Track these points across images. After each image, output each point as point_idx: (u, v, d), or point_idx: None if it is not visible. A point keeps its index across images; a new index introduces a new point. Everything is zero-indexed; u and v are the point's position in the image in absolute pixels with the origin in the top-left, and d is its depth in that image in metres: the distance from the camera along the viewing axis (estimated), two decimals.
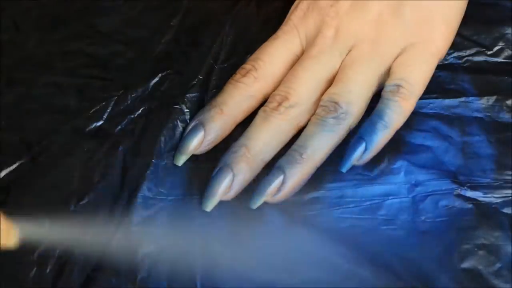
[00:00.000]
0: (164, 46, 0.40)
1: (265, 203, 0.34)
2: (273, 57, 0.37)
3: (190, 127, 0.36)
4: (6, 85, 0.38)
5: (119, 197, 0.35)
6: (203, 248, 0.33)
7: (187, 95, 0.38)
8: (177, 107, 0.37)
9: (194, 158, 0.36)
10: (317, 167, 0.34)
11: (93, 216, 0.34)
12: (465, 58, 0.39)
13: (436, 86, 0.38)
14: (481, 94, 0.37)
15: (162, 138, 0.36)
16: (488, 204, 0.34)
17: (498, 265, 0.32)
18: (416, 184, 0.35)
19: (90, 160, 0.35)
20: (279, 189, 0.34)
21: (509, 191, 0.34)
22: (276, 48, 0.37)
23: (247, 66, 0.37)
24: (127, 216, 0.34)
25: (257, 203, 0.34)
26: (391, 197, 0.34)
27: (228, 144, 0.36)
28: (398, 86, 0.35)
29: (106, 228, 0.34)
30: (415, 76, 0.35)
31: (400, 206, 0.34)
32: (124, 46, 0.40)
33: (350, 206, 0.34)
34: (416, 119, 0.37)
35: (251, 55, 0.38)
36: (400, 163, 0.35)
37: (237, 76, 0.37)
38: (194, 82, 0.38)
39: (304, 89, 0.36)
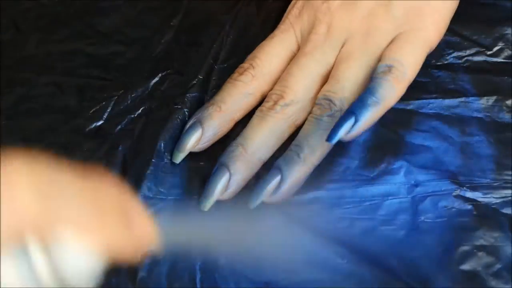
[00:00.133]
0: (164, 46, 0.40)
1: (265, 203, 0.34)
2: (270, 55, 0.37)
3: (188, 125, 0.36)
4: (6, 85, 0.38)
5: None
6: (203, 248, 0.33)
7: (187, 95, 0.38)
8: (177, 107, 0.37)
9: (194, 157, 0.36)
10: (315, 166, 0.34)
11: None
12: (465, 58, 0.39)
13: (436, 86, 0.38)
14: (481, 94, 0.37)
15: (162, 138, 0.36)
16: (488, 205, 0.34)
17: (497, 266, 0.32)
18: (415, 185, 0.35)
19: (90, 160, 0.35)
20: (277, 189, 0.34)
21: (508, 192, 0.34)
22: (273, 46, 0.38)
23: (245, 65, 0.37)
24: None
25: (255, 203, 0.34)
26: (390, 197, 0.34)
27: (228, 143, 0.36)
28: (390, 66, 0.34)
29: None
30: (407, 60, 0.35)
31: (400, 207, 0.34)
32: (124, 46, 0.40)
33: (350, 206, 0.34)
34: (416, 119, 0.37)
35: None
36: (399, 163, 0.35)
37: (235, 74, 0.37)
38: (194, 82, 0.38)
39: (300, 87, 0.36)
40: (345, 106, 0.35)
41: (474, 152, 0.35)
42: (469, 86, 0.38)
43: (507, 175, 0.34)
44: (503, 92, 0.37)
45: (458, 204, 0.34)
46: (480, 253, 0.32)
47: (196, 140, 0.35)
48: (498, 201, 0.34)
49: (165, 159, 0.36)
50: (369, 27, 0.36)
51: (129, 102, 0.38)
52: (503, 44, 0.39)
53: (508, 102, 0.37)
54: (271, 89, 0.37)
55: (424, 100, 0.37)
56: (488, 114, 0.37)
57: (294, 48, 0.38)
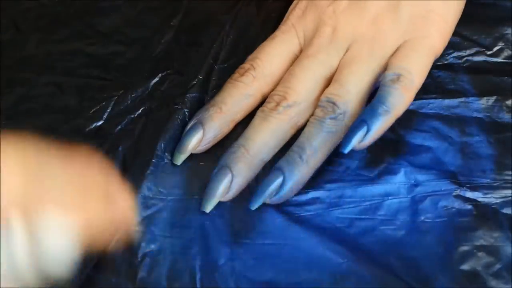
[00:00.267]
0: (164, 46, 0.40)
1: (265, 203, 0.34)
2: (272, 56, 0.37)
3: (189, 126, 0.36)
4: (6, 85, 0.38)
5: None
6: (203, 247, 0.33)
7: (187, 95, 0.38)
8: (177, 107, 0.37)
9: (194, 157, 0.36)
10: (317, 168, 0.34)
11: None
12: (465, 58, 0.39)
13: (436, 86, 0.38)
14: (481, 94, 0.37)
15: (162, 138, 0.36)
16: (488, 205, 0.34)
17: (497, 266, 0.32)
18: (415, 184, 0.35)
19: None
20: (278, 191, 0.34)
21: (508, 192, 0.34)
22: (274, 47, 0.37)
23: (245, 65, 0.37)
24: None
25: (256, 204, 0.34)
26: (390, 197, 0.34)
27: (228, 144, 0.36)
28: (398, 75, 0.34)
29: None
30: (414, 68, 0.35)
31: (400, 206, 0.34)
32: (124, 46, 0.40)
33: (350, 206, 0.34)
34: (416, 119, 0.37)
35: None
36: (399, 163, 0.35)
37: (236, 75, 0.37)
38: (194, 82, 0.38)
39: (303, 88, 0.36)
40: (349, 109, 0.35)
41: (474, 152, 0.35)
42: (469, 86, 0.38)
43: (507, 175, 0.34)
44: (503, 92, 0.37)
45: (458, 204, 0.34)
46: (480, 253, 0.32)
47: (197, 141, 0.35)
48: (498, 201, 0.34)
49: (165, 159, 0.36)
50: (375, 32, 0.36)
51: (129, 102, 0.38)
52: (503, 44, 0.39)
53: (508, 102, 0.37)
54: (272, 90, 0.36)
55: (424, 100, 0.37)
56: (488, 114, 0.37)
57: (296, 49, 0.38)
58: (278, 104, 0.35)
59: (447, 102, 0.37)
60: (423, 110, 0.37)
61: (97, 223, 0.20)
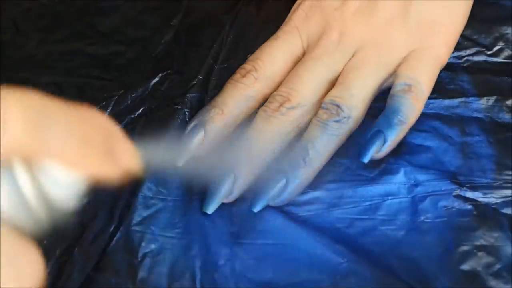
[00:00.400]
0: (164, 46, 0.40)
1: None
2: (274, 57, 0.37)
3: (190, 127, 0.36)
4: (6, 85, 0.38)
5: (119, 197, 0.35)
6: (203, 247, 0.33)
7: (187, 95, 0.38)
8: (177, 107, 0.37)
9: (194, 158, 0.36)
10: (319, 169, 0.34)
11: (93, 216, 0.34)
12: (465, 58, 0.39)
13: (436, 86, 0.37)
14: (481, 94, 0.37)
15: (162, 138, 0.36)
16: (488, 205, 0.34)
17: (497, 266, 0.32)
18: (415, 184, 0.35)
19: None
20: (281, 193, 0.34)
21: (508, 192, 0.34)
22: (276, 48, 0.37)
23: (247, 66, 0.37)
24: (127, 215, 0.34)
25: (259, 207, 0.34)
26: (390, 197, 0.34)
27: (228, 144, 0.36)
28: (409, 85, 0.35)
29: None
30: (422, 78, 0.35)
31: (400, 206, 0.34)
32: (124, 46, 0.40)
33: (350, 206, 0.34)
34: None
35: (251, 55, 0.38)
36: (399, 163, 0.35)
37: (237, 76, 0.37)
38: (194, 82, 0.38)
39: (306, 90, 0.36)
40: (353, 114, 0.35)
41: (474, 152, 0.35)
42: (469, 86, 0.38)
43: (507, 175, 0.34)
44: (503, 92, 0.37)
45: (458, 204, 0.34)
46: (480, 253, 0.32)
47: (198, 143, 0.35)
48: (498, 201, 0.34)
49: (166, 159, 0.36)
50: (383, 38, 0.36)
51: (129, 102, 0.37)
52: (503, 44, 0.39)
53: (508, 102, 0.37)
54: (273, 91, 0.36)
55: None
56: (488, 114, 0.37)
57: (298, 51, 0.37)
58: (281, 105, 0.35)
59: (447, 102, 0.37)
60: (423, 110, 0.37)
61: (99, 171, 0.20)
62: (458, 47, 0.39)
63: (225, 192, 0.34)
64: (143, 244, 0.33)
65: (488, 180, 0.34)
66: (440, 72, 0.38)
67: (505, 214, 0.33)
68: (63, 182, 0.20)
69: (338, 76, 0.36)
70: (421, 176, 0.35)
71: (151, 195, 0.35)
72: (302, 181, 0.34)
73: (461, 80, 0.38)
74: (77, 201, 0.20)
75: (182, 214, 0.34)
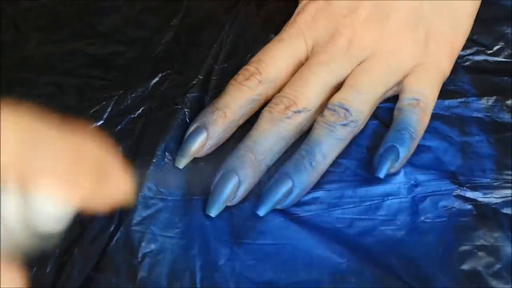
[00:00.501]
0: (164, 46, 0.40)
1: None
2: (277, 60, 0.37)
3: (192, 129, 0.35)
4: (6, 85, 0.38)
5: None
6: (203, 247, 0.33)
7: (187, 95, 0.38)
8: (177, 107, 0.37)
9: (194, 158, 0.36)
10: (323, 173, 0.35)
11: (93, 216, 0.34)
12: (465, 58, 0.39)
13: None
14: (481, 94, 0.37)
15: (162, 138, 0.36)
16: (488, 205, 0.34)
17: (497, 266, 0.32)
18: (415, 184, 0.35)
19: None
20: (286, 197, 0.33)
21: (509, 191, 0.34)
22: (280, 51, 0.37)
23: (250, 68, 0.36)
24: (127, 215, 0.34)
25: (264, 211, 0.33)
26: (390, 197, 0.34)
27: (228, 144, 0.36)
28: (417, 100, 0.35)
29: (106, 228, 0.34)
30: (428, 92, 0.36)
31: (400, 207, 0.34)
32: (124, 46, 0.40)
33: (350, 206, 0.34)
34: None
35: (251, 55, 0.38)
36: None
37: (240, 78, 0.36)
38: (194, 82, 0.38)
39: (313, 95, 0.35)
40: (360, 119, 0.35)
41: (474, 152, 0.35)
42: (469, 86, 0.38)
43: (507, 175, 0.34)
44: (503, 92, 0.37)
45: (458, 204, 0.34)
46: (480, 253, 0.32)
47: (200, 145, 0.35)
48: (498, 201, 0.34)
49: (166, 159, 0.36)
50: (393, 48, 0.36)
51: (129, 102, 0.37)
52: (503, 43, 0.39)
53: (508, 102, 0.37)
54: (275, 93, 0.36)
55: None
56: (488, 114, 0.37)
57: (302, 55, 0.37)
58: (287, 108, 0.35)
59: (447, 102, 0.37)
60: None
61: (89, 196, 0.20)
62: None
63: (229, 195, 0.34)
64: (143, 244, 0.33)
65: (488, 180, 0.34)
66: None
67: (505, 214, 0.33)
68: (51, 206, 0.20)
69: (342, 82, 0.36)
70: (421, 176, 0.35)
71: (151, 195, 0.35)
72: (308, 184, 0.34)
73: (461, 80, 0.38)
74: (64, 225, 0.20)
75: (182, 214, 0.34)
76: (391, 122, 0.36)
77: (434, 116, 0.36)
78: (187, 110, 0.37)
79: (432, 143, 0.36)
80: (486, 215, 0.33)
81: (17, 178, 0.18)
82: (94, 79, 0.38)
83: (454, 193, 0.34)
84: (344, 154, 0.35)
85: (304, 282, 0.32)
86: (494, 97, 0.37)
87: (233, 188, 0.33)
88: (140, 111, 0.37)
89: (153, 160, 0.36)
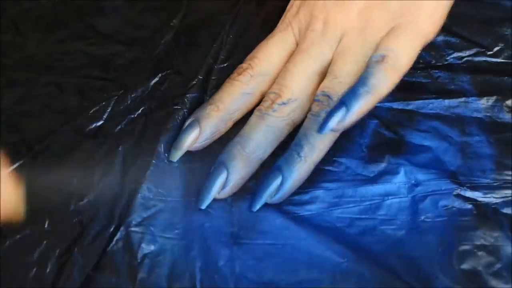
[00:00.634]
0: (164, 46, 0.40)
1: (265, 203, 0.34)
2: (269, 54, 0.37)
3: (186, 123, 0.36)
4: (6, 85, 0.38)
5: (119, 197, 0.35)
6: (203, 248, 0.33)
7: (187, 95, 0.38)
8: (177, 107, 0.37)
9: (194, 158, 0.36)
10: (316, 164, 0.34)
11: (93, 216, 0.34)
12: (465, 58, 0.39)
13: (436, 86, 0.38)
14: (481, 94, 0.37)
15: (162, 138, 0.36)
16: (488, 205, 0.34)
17: (497, 265, 0.32)
18: (415, 184, 0.35)
19: (90, 160, 0.35)
20: (278, 190, 0.34)
21: (509, 191, 0.34)
22: (271, 46, 0.38)
23: (243, 65, 0.37)
24: (127, 216, 0.34)
25: (257, 205, 0.34)
26: (390, 197, 0.34)
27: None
28: (383, 56, 0.34)
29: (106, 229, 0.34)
30: (401, 50, 0.34)
31: (400, 206, 0.34)
32: (124, 46, 0.40)
33: (350, 206, 0.34)
34: (416, 119, 0.37)
35: None
36: (400, 163, 0.35)
37: (234, 75, 0.37)
38: (194, 82, 0.38)
39: (296, 85, 0.36)
40: None
41: (474, 152, 0.35)
42: (469, 87, 0.38)
43: (507, 175, 0.34)
44: (503, 92, 0.37)
45: (458, 204, 0.34)
46: (480, 253, 0.32)
47: (193, 138, 0.35)
48: (498, 201, 0.34)
49: (165, 160, 0.36)
50: (365, 21, 0.36)
51: (129, 102, 0.38)
52: (503, 44, 0.39)
53: (508, 102, 0.37)
54: (269, 85, 0.37)
55: (424, 100, 0.37)
56: (488, 114, 0.37)
57: (293, 47, 0.38)
58: (273, 102, 0.35)
59: (447, 102, 0.37)
60: (423, 110, 0.37)
61: None
62: (458, 47, 0.39)
63: (218, 187, 0.34)
64: (142, 245, 0.33)
65: (488, 180, 0.34)
66: (440, 72, 0.38)
67: (505, 214, 0.33)
68: None
69: (327, 66, 0.36)
70: (421, 176, 0.35)
71: (151, 196, 0.35)
72: (299, 176, 0.34)
73: (461, 80, 0.38)
74: None
75: (181, 215, 0.34)
76: (391, 122, 0.36)
77: (434, 116, 0.36)
78: (187, 110, 0.37)
79: (432, 143, 0.36)
80: (486, 214, 0.33)
81: None
82: (94, 79, 0.38)
83: (454, 193, 0.34)
84: (344, 153, 0.35)
85: (304, 282, 0.32)
86: (494, 97, 0.37)
87: (221, 180, 0.34)
88: (140, 111, 0.37)
89: (153, 161, 0.36)
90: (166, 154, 0.36)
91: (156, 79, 0.38)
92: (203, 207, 0.34)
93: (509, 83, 0.37)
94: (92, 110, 0.37)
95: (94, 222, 0.34)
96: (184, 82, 0.38)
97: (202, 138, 0.35)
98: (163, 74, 0.38)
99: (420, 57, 0.38)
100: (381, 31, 0.35)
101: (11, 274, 0.32)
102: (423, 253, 0.32)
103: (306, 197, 0.35)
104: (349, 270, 0.32)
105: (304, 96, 0.36)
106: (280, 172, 0.34)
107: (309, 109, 0.35)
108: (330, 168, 0.35)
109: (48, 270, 0.32)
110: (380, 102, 0.37)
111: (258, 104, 0.37)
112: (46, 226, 0.33)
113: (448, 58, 0.39)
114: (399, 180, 0.35)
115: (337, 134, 0.35)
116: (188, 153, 0.36)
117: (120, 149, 0.36)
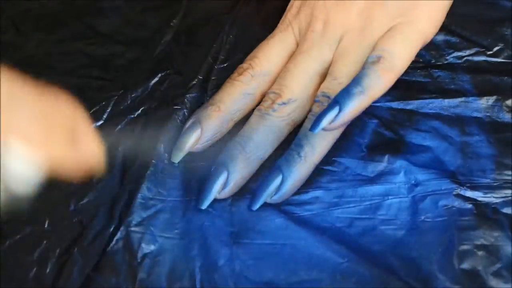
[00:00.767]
0: (163, 46, 0.40)
1: (265, 203, 0.34)
2: (270, 55, 0.37)
3: (187, 124, 0.36)
4: None
5: (119, 197, 0.35)
6: (203, 248, 0.33)
7: (187, 95, 0.38)
8: (176, 107, 0.37)
9: (194, 158, 0.36)
10: (316, 164, 0.34)
11: (93, 216, 0.34)
12: (465, 58, 0.39)
13: (436, 86, 0.38)
14: (480, 94, 0.37)
15: (162, 138, 0.36)
16: (488, 204, 0.34)
17: (497, 265, 0.32)
18: (415, 184, 0.35)
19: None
20: (278, 190, 0.34)
21: (508, 191, 0.34)
22: (272, 46, 0.37)
23: (244, 65, 0.37)
24: (127, 216, 0.34)
25: (257, 205, 0.34)
26: (390, 197, 0.34)
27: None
28: (379, 57, 0.34)
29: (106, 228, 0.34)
30: (398, 50, 0.34)
31: (400, 206, 0.34)
32: (124, 47, 0.40)
33: (350, 206, 0.34)
34: (416, 119, 0.37)
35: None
36: (400, 163, 0.35)
37: (235, 75, 0.37)
38: (194, 82, 0.38)
39: (296, 85, 0.36)
40: None
41: (474, 152, 0.35)
42: (469, 86, 0.38)
43: (507, 175, 0.34)
44: (503, 92, 0.37)
45: (458, 204, 0.34)
46: (480, 253, 0.32)
47: (195, 140, 0.35)
48: (498, 200, 0.34)
49: (165, 160, 0.36)
50: (364, 21, 0.36)
51: (128, 102, 0.37)
52: (503, 44, 0.39)
53: (508, 102, 0.37)
54: (269, 85, 0.37)
55: (424, 100, 0.37)
56: (488, 114, 0.37)
57: (293, 47, 0.38)
58: (273, 102, 0.35)
59: (447, 102, 0.37)
60: (423, 110, 0.37)
61: (60, 161, 0.20)
62: (458, 47, 0.39)
63: (218, 187, 0.34)
64: (142, 244, 0.33)
65: (488, 179, 0.34)
66: (440, 72, 0.38)
67: (505, 214, 0.33)
68: (22, 163, 0.20)
69: (328, 67, 0.36)
70: (421, 176, 0.35)
71: (151, 196, 0.35)
72: (299, 176, 0.34)
73: (461, 80, 0.38)
74: (35, 185, 0.20)
75: (181, 215, 0.34)
76: (391, 121, 0.36)
77: (434, 116, 0.36)
78: (187, 110, 0.37)
79: (432, 143, 0.36)
80: (486, 214, 0.33)
81: None
82: (94, 79, 0.38)
83: (454, 193, 0.34)
84: (344, 153, 0.35)
85: (304, 282, 0.32)
86: (494, 97, 0.37)
87: (222, 180, 0.34)
88: (139, 111, 0.37)
89: (153, 161, 0.36)
90: (166, 154, 0.36)
91: (156, 79, 0.38)
92: (204, 207, 0.34)
93: (509, 83, 0.37)
94: (92, 110, 0.37)
95: (94, 222, 0.34)
96: (184, 82, 0.38)
97: (203, 139, 0.35)
98: (163, 74, 0.38)
99: (420, 56, 0.38)
100: (380, 30, 0.35)
101: (11, 274, 0.32)
102: (423, 253, 0.32)
103: (306, 197, 0.35)
104: (349, 270, 0.32)
105: (305, 96, 0.36)
106: (280, 171, 0.34)
107: (310, 110, 0.35)
108: (330, 168, 0.35)
109: (48, 270, 0.32)
110: (379, 102, 0.37)
111: (258, 104, 0.37)
112: (46, 226, 0.33)
113: (448, 57, 0.39)
114: (399, 180, 0.35)
115: (337, 135, 0.35)
116: (188, 153, 0.36)
117: (120, 149, 0.36)
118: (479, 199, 0.34)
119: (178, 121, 0.37)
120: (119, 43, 0.40)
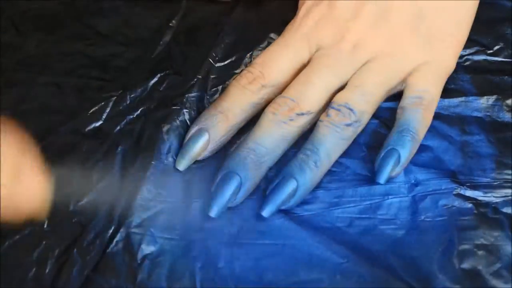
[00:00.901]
0: (163, 47, 0.40)
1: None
2: (282, 65, 0.37)
3: (193, 131, 0.35)
4: (5, 86, 0.38)
5: (119, 198, 0.35)
6: (203, 248, 0.33)
7: (186, 95, 0.37)
8: (176, 107, 0.37)
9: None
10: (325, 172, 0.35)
11: (93, 217, 0.34)
12: (465, 58, 0.39)
13: None
14: (481, 93, 0.37)
15: (162, 139, 0.36)
16: (488, 204, 0.34)
17: (497, 265, 0.32)
18: (415, 184, 0.35)
19: (89, 161, 0.35)
20: (291, 197, 0.33)
21: (509, 191, 0.34)
22: (285, 56, 0.37)
23: (254, 71, 0.36)
24: (126, 217, 0.34)
25: (269, 212, 0.33)
26: (390, 197, 0.34)
27: (228, 145, 0.36)
28: (420, 98, 0.35)
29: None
30: (432, 89, 0.36)
31: (400, 206, 0.34)
32: (123, 47, 0.40)
33: (350, 205, 0.34)
34: None
35: (250, 55, 0.38)
36: None
37: (244, 80, 0.36)
38: (193, 82, 0.38)
39: (316, 98, 0.35)
40: (363, 119, 0.35)
41: (474, 151, 0.35)
42: (469, 86, 0.38)
43: (507, 174, 0.34)
44: (503, 91, 0.37)
45: (458, 203, 0.34)
46: (480, 252, 0.32)
47: (201, 149, 0.35)
48: (498, 200, 0.34)
49: (165, 161, 0.36)
50: (395, 48, 0.36)
51: (128, 102, 0.37)
52: (503, 44, 0.39)
53: (508, 101, 0.37)
54: (277, 95, 0.36)
55: None
56: (488, 113, 0.37)
57: (305, 60, 0.37)
58: (291, 110, 0.35)
59: (447, 101, 0.37)
60: None
61: (4, 196, 0.20)
62: None
63: (231, 197, 0.33)
64: (142, 246, 0.33)
65: (488, 179, 0.34)
66: None
67: (505, 213, 0.33)
68: None
69: (344, 84, 0.36)
70: (421, 175, 0.35)
71: (151, 197, 0.35)
72: (312, 184, 0.34)
73: (461, 80, 0.38)
74: None
75: (181, 216, 0.34)
76: (391, 121, 0.36)
77: (434, 115, 0.36)
78: (186, 110, 0.37)
79: (432, 142, 0.36)
80: (486, 214, 0.33)
81: None
82: (93, 80, 0.38)
83: (455, 192, 0.34)
84: (344, 153, 0.35)
85: (304, 282, 0.32)
86: (495, 97, 0.37)
87: (234, 189, 0.33)
88: (139, 111, 0.37)
89: (153, 162, 0.35)
90: (165, 155, 0.36)
91: (155, 79, 0.38)
92: (215, 215, 0.33)
93: (509, 82, 0.37)
94: (91, 111, 0.37)
95: (94, 223, 0.34)
96: (183, 82, 0.38)
97: (211, 148, 0.35)
98: (162, 74, 0.38)
99: None
100: (409, 63, 0.36)
101: (11, 274, 0.32)
102: (423, 253, 0.32)
103: (306, 197, 0.35)
104: (349, 270, 0.32)
105: (320, 110, 0.36)
106: (295, 179, 0.33)
107: (325, 115, 0.35)
108: (331, 168, 0.35)
109: (47, 270, 0.32)
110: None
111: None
112: (45, 226, 0.33)
113: None
114: (399, 179, 0.35)
115: (349, 142, 0.35)
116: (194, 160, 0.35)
117: (119, 149, 0.36)
118: (479, 198, 0.34)
119: (178, 121, 0.37)
120: (119, 43, 0.40)
